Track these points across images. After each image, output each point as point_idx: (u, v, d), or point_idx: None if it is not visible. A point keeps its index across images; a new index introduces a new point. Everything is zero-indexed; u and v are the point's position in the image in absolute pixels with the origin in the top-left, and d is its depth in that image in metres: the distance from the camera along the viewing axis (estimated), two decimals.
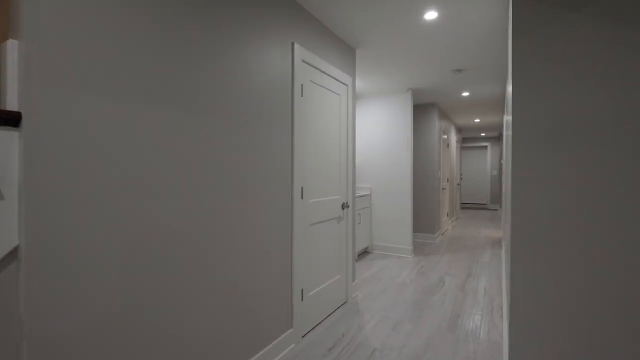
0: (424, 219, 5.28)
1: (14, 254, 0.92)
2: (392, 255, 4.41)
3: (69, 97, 1.02)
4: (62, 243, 1.00)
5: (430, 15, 2.28)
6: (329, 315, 2.52)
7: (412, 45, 2.82)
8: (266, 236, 1.85)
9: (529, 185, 1.46)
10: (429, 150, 5.23)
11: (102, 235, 1.10)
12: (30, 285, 0.94)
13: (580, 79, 1.37)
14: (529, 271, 1.46)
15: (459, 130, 8.45)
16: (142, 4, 1.22)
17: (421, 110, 5.28)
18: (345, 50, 2.74)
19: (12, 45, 0.91)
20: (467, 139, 10.57)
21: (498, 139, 10.07)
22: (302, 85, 2.14)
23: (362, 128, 4.67)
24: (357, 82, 4.00)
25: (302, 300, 2.17)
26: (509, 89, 2.32)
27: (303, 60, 2.16)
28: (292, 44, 2.06)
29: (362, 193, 4.42)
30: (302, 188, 2.15)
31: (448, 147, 6.54)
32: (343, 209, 2.69)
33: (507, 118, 3.39)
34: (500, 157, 8.58)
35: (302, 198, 2.15)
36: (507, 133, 3.78)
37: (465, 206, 10.57)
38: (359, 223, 4.25)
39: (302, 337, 2.19)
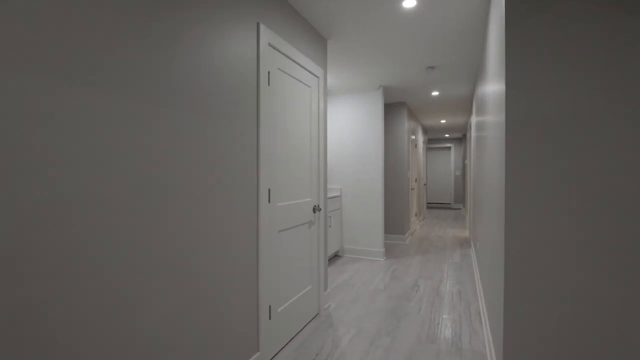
0: (394, 220, 5.19)
1: None
2: (364, 258, 4.25)
3: None
4: None
5: (409, 2, 2.11)
6: (300, 331, 2.27)
7: (387, 38, 2.65)
8: (227, 248, 1.56)
9: (524, 183, 1.31)
10: (398, 151, 5.15)
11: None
12: None
13: (581, 71, 1.24)
14: (524, 271, 1.31)
15: (426, 131, 8.55)
16: None
17: (391, 109, 5.19)
18: (316, 40, 2.51)
19: None
20: (432, 140, 10.79)
21: (461, 140, 10.36)
22: (268, 72, 1.88)
23: (333, 126, 4.47)
24: (328, 78, 3.79)
25: (269, 318, 1.90)
26: (487, 88, 2.24)
27: (270, 44, 1.89)
28: (258, 24, 1.79)
29: (332, 194, 4.21)
30: (269, 190, 1.89)
31: (416, 147, 6.54)
32: (314, 212, 2.46)
33: (478, 119, 3.37)
34: (464, 158, 8.80)
35: (269, 202, 1.88)
36: (477, 134, 3.77)
37: (430, 206, 10.77)
38: (330, 226, 4.03)
39: None
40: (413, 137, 6.10)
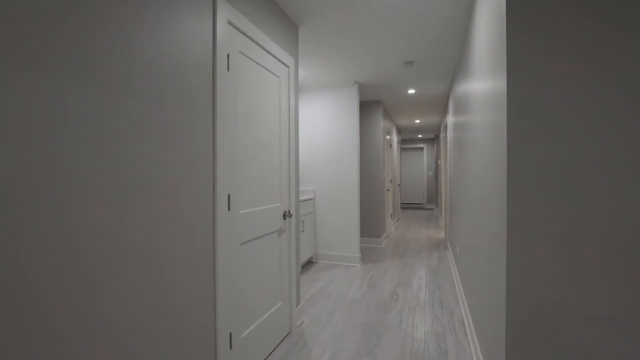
0: (370, 223, 5.00)
1: None
2: (339, 264, 4.01)
3: None
4: None
5: None
6: (268, 356, 1.98)
7: (363, 28, 2.42)
8: (172, 271, 1.25)
9: (531, 187, 1.11)
10: (374, 151, 4.97)
11: None
12: None
13: (588, 63, 1.05)
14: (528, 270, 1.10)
15: (400, 131, 8.49)
16: None
17: (366, 108, 5.00)
18: (286, 25, 2.24)
19: None
20: (405, 140, 10.80)
21: (433, 140, 10.44)
22: (228, 55, 1.58)
23: (306, 124, 4.20)
24: (300, 72, 3.52)
25: (230, 348, 1.60)
26: (472, 86, 2.06)
27: (230, 23, 1.59)
28: None
29: (305, 197, 3.94)
30: (229, 196, 1.58)
31: (391, 147, 6.42)
32: (285, 218, 2.18)
33: (457, 119, 3.22)
34: (437, 158, 8.84)
35: (229, 209, 1.58)
36: (455, 135, 3.64)
37: (403, 206, 10.77)
38: (302, 231, 3.76)
39: None
40: (388, 137, 5.96)
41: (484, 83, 1.64)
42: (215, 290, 1.49)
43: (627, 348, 1.04)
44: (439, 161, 7.54)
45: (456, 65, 3.34)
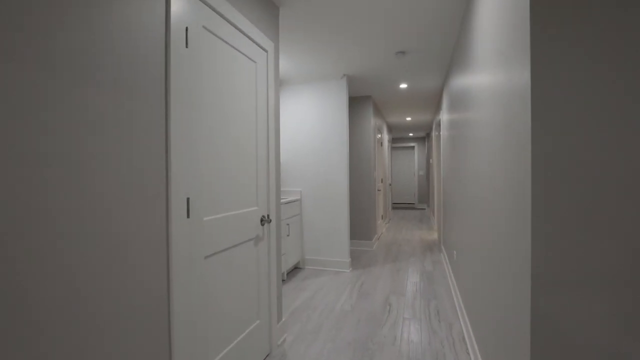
0: (360, 225, 4.75)
1: None
2: (328, 270, 3.75)
3: None
4: None
5: None
6: None
7: (352, 11, 2.16)
8: (109, 302, 0.96)
9: (563, 194, 0.86)
10: (364, 149, 4.72)
11: None
12: None
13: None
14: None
15: (390, 129, 8.28)
16: None
17: (356, 104, 4.75)
18: (265, 3, 1.96)
19: None
20: (395, 139, 10.62)
21: (424, 139, 10.27)
22: (186, 28, 1.30)
23: (290, 120, 3.93)
24: (282, 63, 3.24)
25: None
26: (473, 79, 1.81)
27: None
28: None
29: (291, 198, 3.67)
30: (188, 200, 1.30)
31: (382, 145, 6.19)
32: (263, 224, 1.90)
33: (453, 116, 2.98)
34: (429, 157, 8.66)
35: (188, 216, 1.30)
36: (450, 133, 3.39)
37: (394, 206, 10.58)
38: (288, 235, 3.48)
39: None
40: (379, 135, 5.73)
41: (492, 76, 1.40)
42: (169, 321, 1.20)
43: None
44: (431, 160, 7.35)
45: (451, 57, 3.12)
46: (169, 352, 1.20)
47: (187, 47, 1.30)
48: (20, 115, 0.77)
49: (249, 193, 1.78)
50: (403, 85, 4.13)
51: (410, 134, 9.63)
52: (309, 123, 3.85)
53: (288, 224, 3.49)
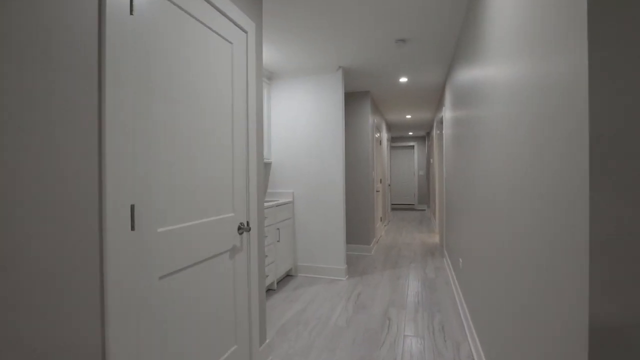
0: (357, 228, 4.48)
1: None
2: (322, 278, 3.47)
3: None
4: None
5: None
6: None
7: None
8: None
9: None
10: (362, 148, 4.45)
11: None
12: None
13: None
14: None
15: (390, 128, 8.02)
16: None
17: (353, 100, 4.48)
18: None
19: None
20: (395, 138, 10.35)
21: (424, 138, 10.01)
22: None
23: (281, 117, 3.65)
24: (272, 55, 2.97)
25: None
26: (485, 72, 1.52)
27: None
28: None
29: (282, 200, 3.40)
30: (132, 208, 1.03)
31: (380, 144, 5.92)
32: (241, 233, 1.62)
33: (459, 113, 2.67)
34: (429, 157, 8.40)
35: (133, 228, 1.02)
36: (456, 131, 3.10)
37: (393, 207, 10.32)
38: (278, 241, 3.21)
39: None
40: (377, 135, 5.46)
41: (513, 67, 1.13)
42: None
43: None
44: (432, 160, 7.09)
45: (455, 46, 2.85)
46: None
47: (131, 13, 1.02)
48: None
49: (223, 197, 1.51)
50: (403, 79, 3.86)
51: (410, 133, 9.37)
52: (302, 120, 3.57)
53: (279, 229, 3.21)
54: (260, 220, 1.83)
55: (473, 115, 2.07)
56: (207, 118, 1.39)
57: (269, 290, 3.09)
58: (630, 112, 0.61)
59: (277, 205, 3.20)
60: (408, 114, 6.27)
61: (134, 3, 1.03)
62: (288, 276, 3.55)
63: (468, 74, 2.23)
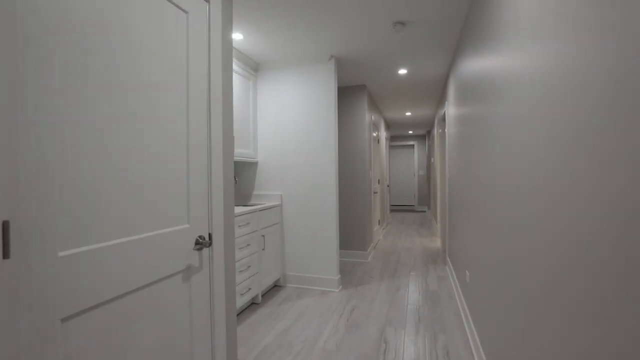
0: (353, 233, 4.16)
1: None
2: (313, 289, 3.15)
3: None
4: None
5: None
6: None
7: None
8: None
9: None
10: (358, 146, 4.13)
11: None
12: None
13: None
14: None
15: (388, 126, 7.70)
16: None
17: (348, 94, 4.17)
18: None
19: None
20: (394, 137, 10.04)
21: (425, 137, 9.70)
22: None
23: (268, 113, 3.33)
24: (256, 43, 2.65)
25: None
26: (502, 62, 1.17)
27: None
28: None
29: (269, 204, 3.08)
30: (4, 225, 0.70)
31: (379, 143, 5.60)
32: (200, 249, 1.30)
33: (465, 110, 2.32)
34: (430, 156, 8.08)
35: (6, 256, 0.70)
36: (460, 128, 2.74)
37: (392, 208, 9.99)
38: (263, 249, 2.89)
39: None
40: (375, 133, 5.14)
41: (542, 55, 0.82)
42: None
43: None
44: (432, 159, 6.78)
45: (462, 31, 2.53)
46: None
47: None
48: None
49: (174, 204, 1.19)
50: (402, 71, 3.54)
51: (410, 132, 9.05)
52: (290, 116, 3.25)
53: (264, 235, 2.90)
54: (228, 231, 1.51)
55: (483, 112, 1.75)
56: (144, 102, 1.07)
57: (253, 305, 2.77)
58: None
59: (262, 210, 2.88)
60: (408, 111, 5.95)
61: None
62: (276, 286, 3.23)
63: (478, 64, 1.91)
